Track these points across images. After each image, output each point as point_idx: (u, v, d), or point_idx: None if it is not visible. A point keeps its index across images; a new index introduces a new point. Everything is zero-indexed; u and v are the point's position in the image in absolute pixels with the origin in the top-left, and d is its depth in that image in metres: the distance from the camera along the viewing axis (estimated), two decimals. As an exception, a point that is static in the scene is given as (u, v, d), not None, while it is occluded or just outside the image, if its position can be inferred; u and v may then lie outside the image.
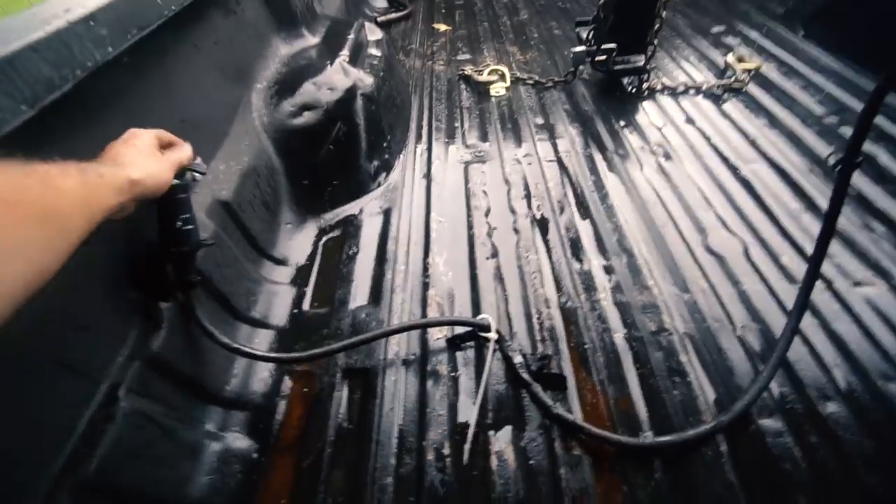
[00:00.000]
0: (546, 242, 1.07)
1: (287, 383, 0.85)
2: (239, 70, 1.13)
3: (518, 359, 0.82)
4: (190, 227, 0.71)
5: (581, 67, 1.62)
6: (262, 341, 0.90)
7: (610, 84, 1.63)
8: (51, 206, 0.39)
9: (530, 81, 1.69)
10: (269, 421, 0.79)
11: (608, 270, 1.00)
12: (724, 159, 1.28)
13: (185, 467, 0.69)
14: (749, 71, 1.60)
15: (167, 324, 0.71)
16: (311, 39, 1.40)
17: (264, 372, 0.86)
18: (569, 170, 1.29)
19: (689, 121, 1.45)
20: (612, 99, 1.59)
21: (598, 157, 1.33)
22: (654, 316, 0.90)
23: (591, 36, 1.53)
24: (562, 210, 1.16)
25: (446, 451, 0.73)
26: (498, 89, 1.67)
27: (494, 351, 0.83)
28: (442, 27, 2.23)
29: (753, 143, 1.32)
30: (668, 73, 1.71)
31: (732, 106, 1.49)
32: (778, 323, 0.86)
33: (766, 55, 1.72)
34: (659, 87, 1.59)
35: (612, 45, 1.49)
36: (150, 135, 0.61)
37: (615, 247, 1.05)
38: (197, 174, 0.72)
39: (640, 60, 1.54)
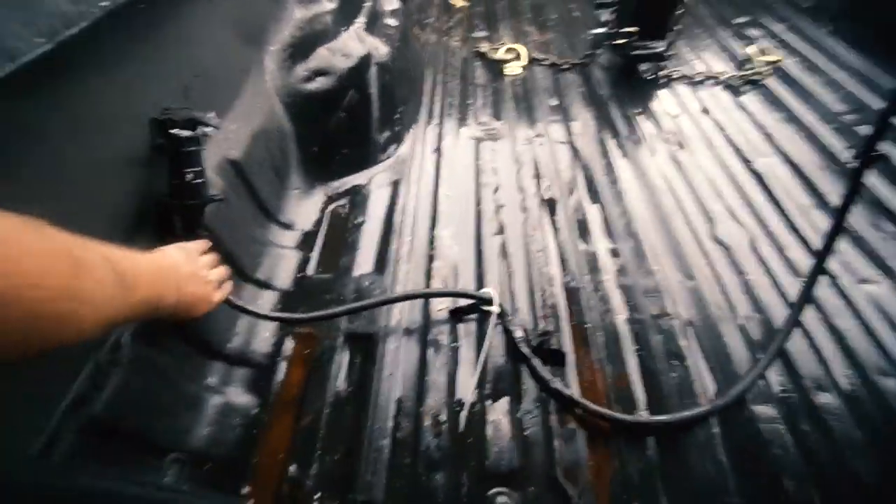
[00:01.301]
0: (553, 222, 1.07)
1: (289, 344, 0.86)
2: (253, 29, 1.11)
3: (519, 333, 0.82)
4: (200, 180, 0.71)
5: (599, 51, 1.60)
6: (265, 302, 0.91)
7: (627, 69, 1.60)
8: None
9: (546, 62, 1.67)
10: (270, 379, 0.80)
11: (614, 253, 1.00)
12: (738, 151, 1.27)
13: (186, 418, 0.70)
14: (770, 64, 1.57)
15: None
16: (327, 4, 1.37)
17: (266, 332, 0.87)
18: (580, 153, 1.28)
19: (705, 111, 1.43)
20: (628, 85, 1.56)
21: (610, 143, 1.32)
22: (656, 300, 0.91)
23: (611, 18, 1.50)
24: (571, 192, 1.16)
25: (443, 417, 0.75)
26: (513, 69, 1.65)
27: (496, 325, 0.84)
28: (459, 2, 2.18)
29: (769, 137, 1.31)
30: (686, 61, 1.68)
31: (750, 99, 1.47)
32: (780, 315, 0.87)
33: (788, 49, 1.69)
34: (676, 75, 1.56)
35: (633, 29, 1.46)
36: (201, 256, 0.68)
37: (622, 231, 1.05)
38: (209, 128, 0.72)
39: (660, 46, 1.51)
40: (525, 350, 0.80)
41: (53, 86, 0.52)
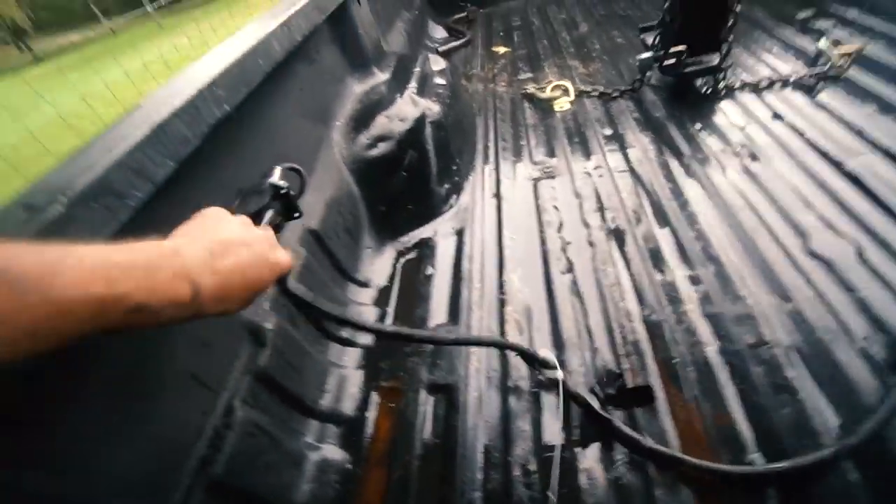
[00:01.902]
0: (624, 254, 1.04)
1: (374, 398, 0.89)
2: (320, 110, 1.25)
3: (586, 393, 0.78)
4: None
5: (648, 74, 1.58)
6: (350, 359, 0.96)
7: (681, 87, 1.56)
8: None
9: (595, 93, 1.67)
10: (360, 434, 0.84)
11: (694, 281, 0.95)
12: (824, 154, 1.16)
13: (290, 475, 0.75)
14: (848, 55, 1.44)
15: (270, 343, 0.79)
16: (381, 76, 1.51)
17: (354, 388, 0.92)
18: (643, 179, 1.25)
19: (777, 116, 1.34)
20: (685, 102, 1.52)
21: (673, 164, 1.28)
22: (750, 328, 0.83)
23: (657, 41, 1.48)
24: (638, 220, 1.12)
25: (532, 467, 0.73)
26: (562, 104, 1.67)
27: (564, 394, 0.78)
28: (501, 49, 2.28)
29: (860, 134, 1.19)
30: (747, 68, 1.60)
31: (829, 96, 1.36)
32: (909, 332, 0.76)
33: (870, 34, 1.55)
34: (738, 84, 1.49)
35: (682, 48, 1.43)
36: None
37: (700, 256, 1.00)
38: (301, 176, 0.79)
39: (714, 59, 1.46)
40: (602, 412, 0.74)
41: (174, 191, 0.63)
